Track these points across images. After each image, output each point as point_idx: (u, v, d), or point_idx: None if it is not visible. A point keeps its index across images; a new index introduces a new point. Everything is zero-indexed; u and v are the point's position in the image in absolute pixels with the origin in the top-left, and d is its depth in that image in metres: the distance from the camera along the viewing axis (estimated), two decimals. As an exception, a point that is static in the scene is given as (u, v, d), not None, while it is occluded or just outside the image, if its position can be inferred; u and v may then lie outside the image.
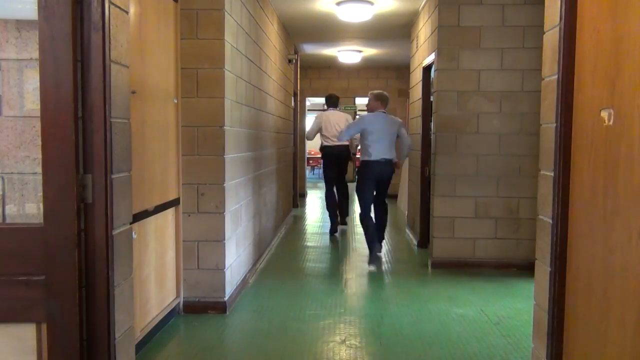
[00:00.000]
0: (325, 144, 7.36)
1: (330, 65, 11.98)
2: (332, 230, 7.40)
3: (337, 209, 7.41)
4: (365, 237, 5.79)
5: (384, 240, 6.35)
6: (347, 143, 7.13)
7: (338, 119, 7.31)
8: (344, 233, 7.56)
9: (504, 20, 5.28)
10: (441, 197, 5.42)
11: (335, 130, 7.14)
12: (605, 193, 1.76)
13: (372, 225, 5.71)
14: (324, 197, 7.56)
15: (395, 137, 5.77)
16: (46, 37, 1.71)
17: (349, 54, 10.09)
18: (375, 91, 5.94)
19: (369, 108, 5.89)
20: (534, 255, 2.29)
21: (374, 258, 5.58)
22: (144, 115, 3.23)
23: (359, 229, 7.16)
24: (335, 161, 7.31)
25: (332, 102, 7.62)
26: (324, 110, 7.95)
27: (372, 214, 5.85)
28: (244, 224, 4.76)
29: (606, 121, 1.75)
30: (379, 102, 5.78)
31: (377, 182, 5.70)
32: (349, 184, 7.86)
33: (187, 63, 3.87)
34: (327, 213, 7.66)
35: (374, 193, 5.80)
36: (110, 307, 1.86)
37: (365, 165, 5.69)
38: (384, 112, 5.79)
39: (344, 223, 7.73)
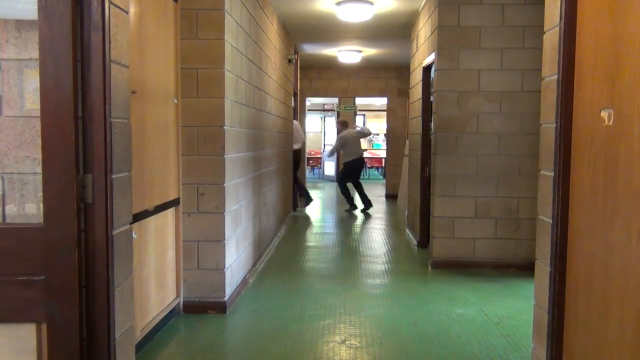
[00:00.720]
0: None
1: (330, 65, 11.97)
2: (308, 201, 10.05)
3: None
4: (343, 195, 9.62)
5: (383, 240, 7.02)
6: (298, 147, 9.70)
7: (296, 127, 9.74)
8: (344, 234, 7.60)
9: (503, 20, 5.27)
10: (441, 197, 5.43)
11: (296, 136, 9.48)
12: (605, 193, 1.76)
13: (346, 187, 9.52)
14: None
15: (360, 141, 9.63)
16: (46, 37, 1.71)
17: (349, 54, 10.09)
18: (340, 119, 10.49)
19: (340, 130, 9.87)
20: (534, 255, 2.29)
21: (352, 208, 9.63)
22: (144, 115, 3.23)
23: (357, 229, 7.48)
24: (295, 159, 9.68)
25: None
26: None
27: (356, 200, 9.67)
28: (244, 224, 4.76)
29: (606, 121, 1.75)
30: (343, 126, 9.85)
31: (353, 171, 9.60)
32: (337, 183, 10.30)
33: (187, 63, 3.87)
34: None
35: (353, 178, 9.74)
36: (110, 307, 1.86)
37: (346, 163, 9.60)
38: (350, 129, 9.66)
39: (306, 205, 9.92)
